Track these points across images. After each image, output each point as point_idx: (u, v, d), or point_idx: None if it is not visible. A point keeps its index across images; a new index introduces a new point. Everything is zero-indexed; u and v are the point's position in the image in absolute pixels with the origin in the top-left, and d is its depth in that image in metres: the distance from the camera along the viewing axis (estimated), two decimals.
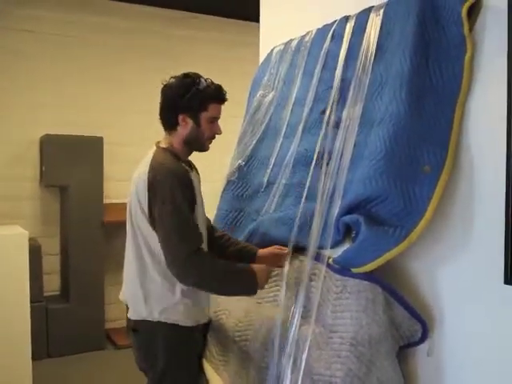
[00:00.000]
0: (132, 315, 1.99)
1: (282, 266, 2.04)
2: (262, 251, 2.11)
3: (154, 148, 2.01)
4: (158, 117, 2.03)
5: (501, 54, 1.50)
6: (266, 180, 2.39)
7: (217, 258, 1.96)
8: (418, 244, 1.66)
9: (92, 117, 4.83)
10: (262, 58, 2.91)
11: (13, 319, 3.60)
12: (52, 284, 4.72)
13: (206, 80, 1.96)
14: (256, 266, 1.95)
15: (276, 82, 2.59)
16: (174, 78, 1.98)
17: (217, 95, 1.96)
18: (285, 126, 2.39)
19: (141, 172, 1.92)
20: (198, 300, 1.97)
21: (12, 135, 4.60)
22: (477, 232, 1.59)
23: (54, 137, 4.45)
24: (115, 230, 4.86)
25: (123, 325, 5.02)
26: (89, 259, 4.51)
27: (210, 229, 2.21)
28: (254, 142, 2.55)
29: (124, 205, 5.18)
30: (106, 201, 4.65)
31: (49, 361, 4.25)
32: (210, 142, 2.03)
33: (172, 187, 1.84)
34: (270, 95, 2.58)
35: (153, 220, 1.87)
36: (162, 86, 2.00)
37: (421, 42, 1.68)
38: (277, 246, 2.09)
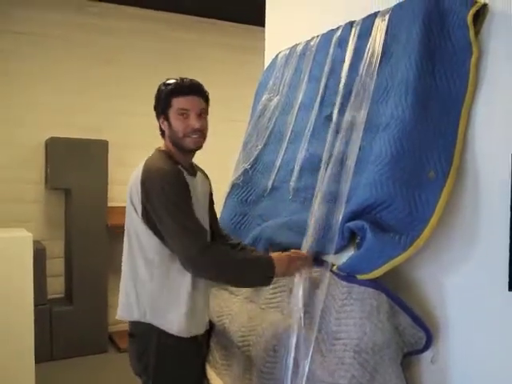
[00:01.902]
0: (121, 315, 1.98)
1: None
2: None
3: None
4: None
5: (507, 59, 1.50)
6: (270, 185, 2.39)
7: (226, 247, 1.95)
8: (423, 251, 1.65)
9: (97, 120, 4.85)
10: (267, 63, 2.92)
11: (16, 321, 3.60)
12: (56, 287, 4.72)
13: (177, 79, 1.95)
14: (274, 254, 1.92)
15: (281, 86, 2.59)
16: None
17: (175, 88, 1.93)
18: (290, 131, 2.39)
19: (135, 174, 1.95)
20: (194, 310, 1.91)
21: (17, 138, 4.62)
22: (481, 239, 1.58)
23: (59, 140, 4.46)
24: (119, 233, 4.85)
25: (126, 328, 5.04)
26: (93, 262, 4.52)
27: (223, 235, 2.20)
28: (260, 146, 2.55)
29: None
30: (110, 204, 4.65)
31: (52, 363, 4.25)
32: (193, 140, 1.93)
33: (164, 186, 1.82)
34: (275, 99, 2.59)
35: (146, 220, 1.86)
36: None
37: (426, 47, 1.67)
38: (295, 251, 1.97)
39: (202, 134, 1.94)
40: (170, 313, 1.87)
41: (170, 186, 1.82)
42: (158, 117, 1.98)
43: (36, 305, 3.73)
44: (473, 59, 1.60)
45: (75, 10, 4.80)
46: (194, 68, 4.94)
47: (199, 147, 1.97)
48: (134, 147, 4.91)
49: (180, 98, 1.91)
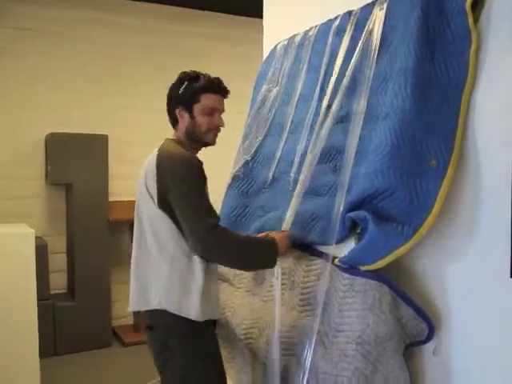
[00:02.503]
0: (135, 306, 2.00)
1: None
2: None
3: (164, 140, 2.05)
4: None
5: (506, 46, 1.49)
6: (271, 176, 2.39)
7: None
8: (424, 241, 1.65)
9: (97, 115, 4.84)
10: (265, 54, 2.91)
11: (20, 317, 3.62)
12: (59, 282, 4.74)
13: (204, 75, 2.01)
14: (276, 234, 1.96)
15: (280, 77, 2.59)
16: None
17: (208, 85, 1.99)
18: (289, 122, 2.39)
19: (148, 162, 1.95)
20: (208, 294, 1.93)
21: (17, 134, 4.62)
22: (483, 227, 1.58)
23: (59, 135, 4.46)
24: (120, 227, 4.88)
25: (130, 322, 5.08)
26: (95, 257, 4.53)
27: None
28: (260, 137, 2.54)
29: (129, 203, 5.19)
30: (111, 199, 4.65)
31: (56, 358, 4.27)
32: (214, 136, 2.04)
33: (184, 171, 1.85)
34: (275, 90, 2.58)
35: (161, 204, 1.87)
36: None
37: (425, 35, 1.66)
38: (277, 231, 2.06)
39: (219, 131, 2.06)
40: (188, 299, 1.88)
41: (187, 170, 1.86)
42: (175, 106, 2.01)
43: (39, 300, 3.74)
44: (472, 47, 1.59)
45: (71, 6, 4.78)
46: (193, 61, 4.94)
47: (215, 143, 2.08)
48: (133, 142, 4.92)
49: (209, 95, 1.99)
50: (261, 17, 3.05)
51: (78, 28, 4.84)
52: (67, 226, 4.79)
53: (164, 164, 1.88)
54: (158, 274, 1.92)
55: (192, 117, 1.99)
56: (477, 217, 1.59)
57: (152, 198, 1.89)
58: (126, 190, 4.88)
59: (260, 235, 2.01)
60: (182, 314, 1.88)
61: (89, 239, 4.51)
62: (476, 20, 1.60)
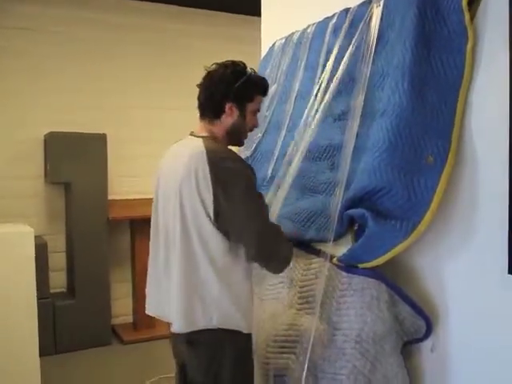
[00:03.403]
0: (182, 327, 1.78)
1: None
2: None
3: (194, 138, 1.85)
4: (197, 103, 1.89)
5: (502, 43, 1.50)
6: (269, 173, 2.40)
7: None
8: (422, 238, 1.66)
9: (95, 114, 4.84)
10: (263, 53, 2.91)
11: (20, 316, 3.62)
12: (58, 281, 4.74)
13: (251, 69, 1.88)
14: None
15: (278, 74, 2.59)
16: (219, 64, 1.87)
17: (263, 87, 1.90)
18: (288, 120, 2.39)
19: (191, 166, 1.72)
20: (251, 303, 1.84)
21: (16, 134, 4.61)
22: (480, 224, 1.59)
23: (58, 134, 4.46)
24: (120, 226, 4.89)
25: (129, 320, 5.08)
26: (94, 256, 4.53)
27: None
28: (259, 134, 2.55)
29: (128, 201, 5.18)
30: (110, 197, 4.66)
31: (56, 357, 4.27)
32: (247, 136, 1.96)
33: (244, 177, 1.74)
34: (273, 88, 2.58)
35: (217, 218, 1.71)
36: (206, 71, 1.88)
37: (422, 33, 1.67)
38: None
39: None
40: (238, 312, 1.76)
41: (250, 177, 1.77)
42: (226, 99, 1.82)
43: (39, 299, 3.75)
44: (469, 44, 1.59)
45: (70, 5, 4.77)
46: (189, 59, 4.94)
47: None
48: (132, 140, 4.92)
49: (261, 97, 1.91)
50: (259, 15, 3.05)
51: (76, 27, 4.83)
52: (66, 224, 4.79)
53: (220, 171, 1.70)
54: (209, 291, 1.75)
55: (243, 115, 1.85)
56: (474, 213, 1.60)
57: (206, 211, 1.71)
58: (124, 189, 4.89)
59: None
60: (236, 328, 1.77)
61: (88, 238, 4.51)
62: (472, 17, 1.61)
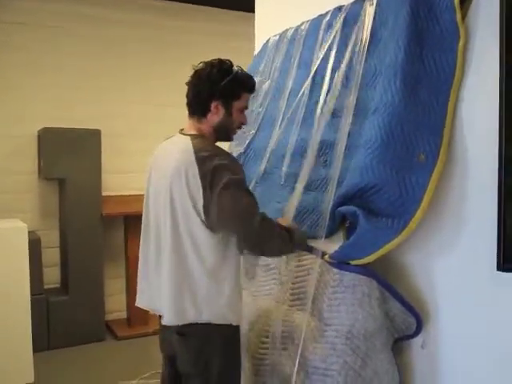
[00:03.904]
0: (173, 321, 1.83)
1: None
2: None
3: (182, 136, 1.89)
4: (186, 102, 1.92)
5: (493, 41, 1.51)
6: (262, 170, 2.40)
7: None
8: (412, 236, 1.67)
9: (89, 109, 4.83)
10: (257, 49, 2.91)
11: (14, 312, 3.62)
12: (52, 277, 4.73)
13: (237, 67, 1.90)
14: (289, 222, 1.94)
15: (272, 71, 2.60)
16: (206, 63, 1.89)
17: (250, 85, 1.92)
18: (281, 117, 2.40)
19: (180, 165, 1.77)
20: (240, 297, 1.88)
21: (10, 129, 4.60)
22: (469, 221, 1.60)
23: (52, 130, 4.45)
24: (114, 222, 4.89)
25: (123, 316, 5.07)
26: (88, 252, 4.52)
27: None
28: (252, 131, 2.55)
29: (122, 197, 5.17)
30: (104, 193, 4.65)
31: (50, 353, 4.27)
32: (236, 133, 1.98)
33: (228, 166, 1.75)
34: (267, 84, 2.59)
35: (206, 214, 1.74)
36: (194, 70, 1.90)
37: (414, 31, 1.68)
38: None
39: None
40: (227, 307, 1.80)
41: (236, 168, 1.79)
42: (212, 97, 1.84)
43: (32, 295, 3.75)
44: (460, 43, 1.61)
45: (68, 0, 4.76)
46: (183, 55, 4.93)
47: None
48: (126, 136, 4.92)
49: (248, 94, 1.93)
50: (253, 11, 3.05)
51: (75, 23, 4.81)
52: (60, 220, 4.78)
53: (212, 167, 1.72)
54: (199, 286, 1.79)
55: (229, 113, 1.87)
56: (464, 211, 1.61)
57: (196, 208, 1.75)
58: (119, 185, 4.88)
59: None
60: (226, 322, 1.81)
61: (82, 234, 4.50)
62: (464, 16, 1.62)
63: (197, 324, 1.80)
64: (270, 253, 1.93)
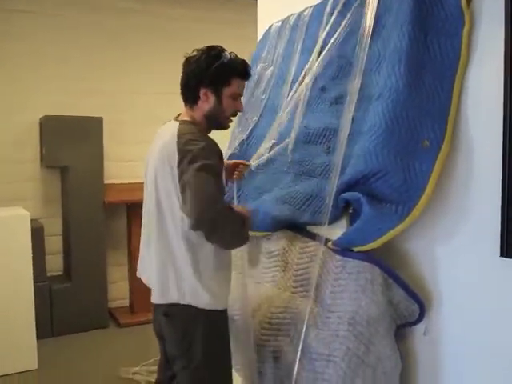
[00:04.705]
0: (159, 299, 1.90)
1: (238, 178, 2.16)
2: (225, 164, 2.03)
3: (174, 122, 1.91)
4: (180, 89, 1.93)
5: (498, 27, 1.49)
6: (265, 156, 2.39)
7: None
8: (416, 222, 1.66)
9: (92, 99, 4.81)
10: (260, 35, 2.89)
11: (17, 299, 3.65)
12: (55, 264, 4.76)
13: (230, 54, 1.88)
14: (243, 209, 1.93)
15: (275, 57, 2.58)
16: (197, 50, 1.89)
17: (241, 70, 1.89)
18: (284, 103, 2.39)
19: (166, 146, 1.81)
20: (225, 280, 1.89)
21: (11, 117, 4.59)
22: (473, 208, 1.59)
23: (54, 118, 4.44)
24: (116, 210, 4.89)
25: (126, 304, 5.10)
26: (90, 239, 4.54)
27: None
28: (255, 117, 2.54)
29: (125, 185, 5.17)
30: (106, 181, 4.66)
31: (53, 340, 4.30)
32: (231, 120, 1.96)
33: (203, 151, 1.75)
34: (269, 70, 2.57)
35: (182, 193, 1.76)
36: (185, 58, 1.91)
37: (418, 17, 1.66)
38: (239, 161, 2.15)
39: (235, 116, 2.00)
40: (205, 290, 1.81)
41: (209, 153, 1.77)
42: (200, 84, 1.85)
43: (35, 282, 3.77)
44: (465, 29, 1.59)
45: None
46: (184, 44, 4.89)
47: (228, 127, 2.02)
48: (128, 124, 4.91)
49: (239, 80, 1.90)
50: None
51: (75, 12, 4.79)
52: (63, 208, 4.79)
53: (187, 152, 1.75)
54: (183, 268, 1.82)
55: (219, 100, 1.87)
56: (468, 197, 1.61)
57: (175, 188, 1.78)
58: (121, 173, 4.88)
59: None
60: (205, 307, 1.82)
61: (85, 221, 4.51)
62: (469, 1, 1.60)
63: (181, 305, 1.83)
64: (220, 242, 1.85)
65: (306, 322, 1.78)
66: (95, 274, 4.58)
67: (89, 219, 4.52)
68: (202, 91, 1.85)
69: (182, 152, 1.75)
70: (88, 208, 4.52)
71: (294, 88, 2.33)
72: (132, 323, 4.58)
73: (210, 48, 1.88)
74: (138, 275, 2.09)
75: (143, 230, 2.02)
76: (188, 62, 1.89)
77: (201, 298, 1.82)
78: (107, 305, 4.71)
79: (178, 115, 1.96)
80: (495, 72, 1.51)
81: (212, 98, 1.86)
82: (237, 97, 1.91)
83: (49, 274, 4.53)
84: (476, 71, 1.60)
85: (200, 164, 1.72)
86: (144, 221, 2.01)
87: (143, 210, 2.02)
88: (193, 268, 1.81)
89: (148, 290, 2.03)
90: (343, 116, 1.92)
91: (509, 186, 1.46)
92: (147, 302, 4.66)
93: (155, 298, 1.93)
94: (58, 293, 4.43)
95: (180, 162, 1.75)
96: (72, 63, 4.78)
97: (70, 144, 4.43)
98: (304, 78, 2.26)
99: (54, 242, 4.73)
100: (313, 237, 1.92)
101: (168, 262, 1.84)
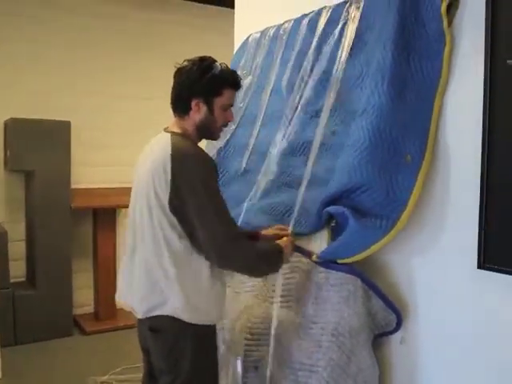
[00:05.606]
0: (143, 313, 1.85)
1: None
2: (265, 232, 2.04)
3: (164, 134, 1.89)
4: (170, 101, 1.92)
5: (478, 48, 1.56)
6: (243, 167, 2.41)
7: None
8: (397, 235, 1.69)
9: (59, 101, 4.72)
10: (236, 45, 2.91)
11: None
12: (18, 270, 4.63)
13: (220, 65, 1.88)
14: (281, 241, 1.89)
15: (253, 67, 2.60)
16: (189, 61, 1.88)
17: (232, 80, 1.89)
18: (262, 114, 2.41)
19: (158, 160, 1.79)
20: (216, 296, 1.86)
21: None
22: (451, 221, 1.65)
23: (20, 120, 4.34)
24: (83, 215, 4.81)
25: (91, 311, 5.00)
26: (56, 245, 4.44)
27: None
28: (233, 127, 2.55)
29: (92, 190, 5.06)
30: (73, 186, 4.58)
31: (16, 348, 4.19)
32: (222, 130, 1.96)
33: (205, 175, 1.76)
34: (248, 80, 2.59)
35: (174, 210, 1.75)
36: (176, 68, 1.90)
37: (401, 36, 1.72)
38: (279, 226, 2.03)
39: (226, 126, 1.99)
40: (201, 305, 1.80)
41: (210, 176, 1.78)
42: (192, 95, 1.84)
43: None
44: (446, 49, 1.66)
45: None
46: (160, 48, 4.88)
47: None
48: (96, 128, 4.84)
49: (231, 91, 1.88)
50: (232, 7, 3.05)
51: (47, 11, 4.69)
52: (26, 213, 4.68)
53: (181, 168, 1.74)
54: (172, 282, 1.78)
55: (211, 111, 1.86)
56: (446, 211, 1.67)
57: (160, 202, 1.77)
58: (88, 178, 4.81)
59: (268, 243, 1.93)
60: (197, 321, 1.80)
61: (50, 227, 4.42)
62: (450, 22, 1.67)
63: (167, 318, 1.79)
64: (245, 272, 1.90)
65: (288, 332, 1.80)
66: (60, 280, 4.48)
67: (54, 224, 4.43)
68: (194, 102, 1.85)
69: (178, 169, 1.74)
70: (53, 213, 4.42)
71: (273, 100, 2.36)
72: (98, 330, 4.50)
73: (202, 59, 1.87)
74: (117, 299, 2.01)
75: (128, 242, 1.97)
76: (179, 72, 1.88)
77: (189, 313, 1.79)
78: (72, 312, 4.62)
79: (167, 127, 1.94)
80: (474, 89, 1.58)
81: (204, 109, 1.86)
82: (227, 107, 1.91)
83: (12, 281, 4.40)
84: (456, 89, 1.67)
85: (206, 195, 1.73)
86: (128, 233, 1.96)
87: (128, 222, 1.98)
88: (181, 282, 1.78)
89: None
90: (316, 130, 1.96)
91: (486, 199, 1.53)
92: (112, 309, 4.60)
93: (139, 314, 1.87)
94: (22, 299, 4.32)
95: (174, 180, 1.74)
96: (42, 64, 4.68)
97: (35, 148, 4.33)
98: (283, 90, 2.30)
99: (17, 248, 4.61)
100: (297, 249, 1.94)
101: (156, 276, 1.81)
